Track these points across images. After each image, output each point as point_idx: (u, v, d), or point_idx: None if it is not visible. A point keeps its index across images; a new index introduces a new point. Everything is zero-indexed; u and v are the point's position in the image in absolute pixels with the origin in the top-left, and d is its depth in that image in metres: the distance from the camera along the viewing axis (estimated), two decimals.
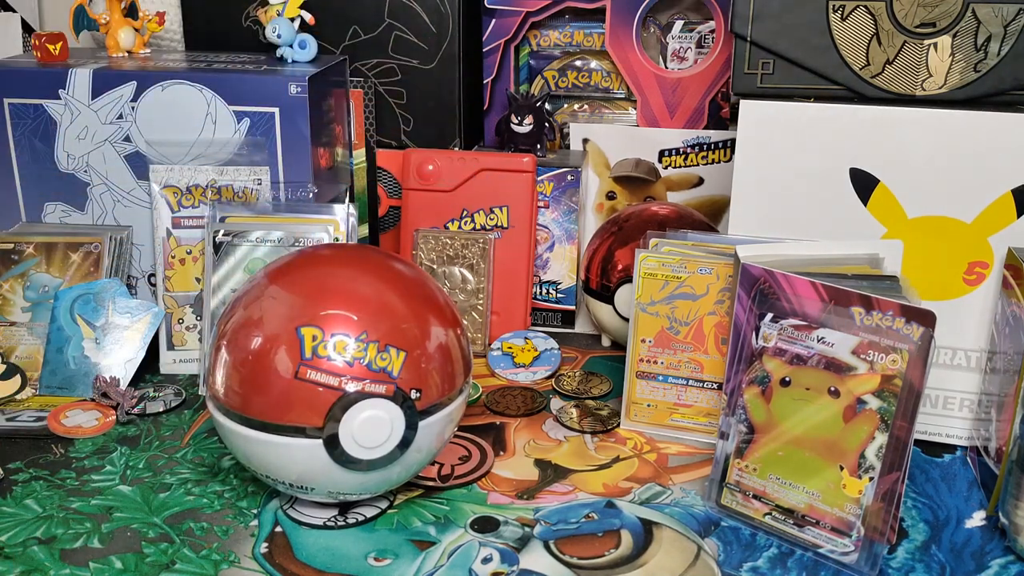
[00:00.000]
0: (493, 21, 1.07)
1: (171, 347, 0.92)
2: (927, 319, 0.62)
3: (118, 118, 0.92)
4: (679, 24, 1.06)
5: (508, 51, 1.09)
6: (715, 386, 0.81)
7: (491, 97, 1.11)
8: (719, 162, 1.06)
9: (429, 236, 0.98)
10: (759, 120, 0.77)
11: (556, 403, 0.88)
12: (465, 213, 0.99)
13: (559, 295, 1.04)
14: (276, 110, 0.91)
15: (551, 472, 0.76)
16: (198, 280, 0.92)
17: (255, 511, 0.71)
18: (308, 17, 1.00)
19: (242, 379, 0.64)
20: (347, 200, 0.96)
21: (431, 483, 0.74)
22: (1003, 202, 0.74)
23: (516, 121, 1.04)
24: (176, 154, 0.93)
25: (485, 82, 1.10)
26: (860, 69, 0.76)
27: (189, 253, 0.92)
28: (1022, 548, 0.67)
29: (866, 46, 0.75)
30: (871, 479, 0.64)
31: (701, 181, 1.07)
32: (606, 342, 1.00)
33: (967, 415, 0.79)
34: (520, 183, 0.98)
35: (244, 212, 0.91)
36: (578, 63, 1.10)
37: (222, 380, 0.65)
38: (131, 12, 1.03)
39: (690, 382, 0.81)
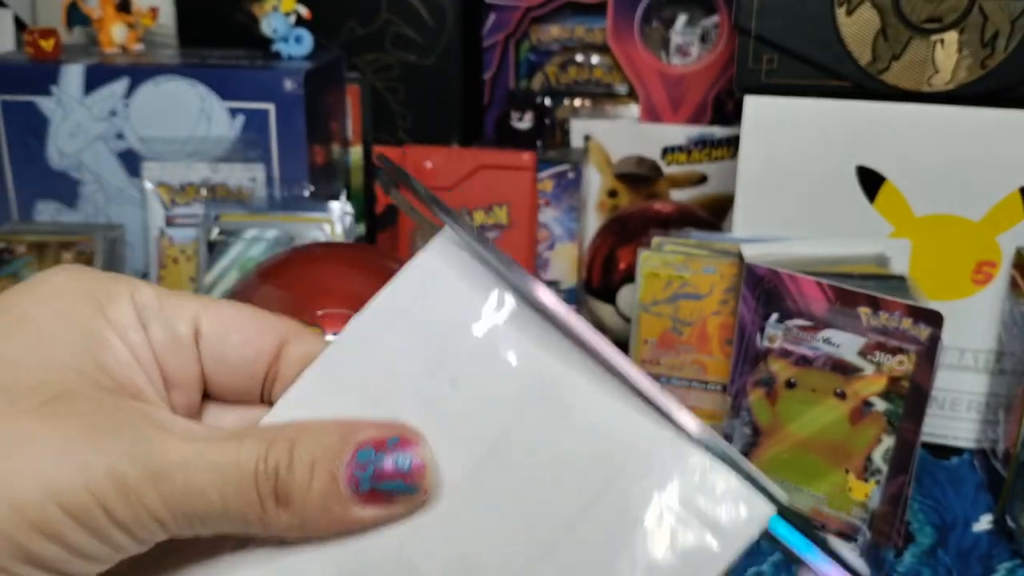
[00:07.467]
0: (493, 15, 1.06)
1: None
2: (935, 320, 0.61)
3: (111, 114, 0.91)
4: (682, 18, 1.05)
5: (508, 46, 1.08)
6: (719, 388, 0.79)
7: (491, 93, 1.10)
8: (723, 159, 1.04)
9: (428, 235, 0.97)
10: (763, 116, 0.76)
11: None
12: (464, 211, 0.97)
13: (560, 295, 1.02)
14: (271, 106, 0.90)
15: None
16: (192, 279, 0.91)
17: None
18: (304, 11, 0.99)
19: None
20: (343, 198, 0.95)
21: None
22: (1011, 200, 0.73)
23: (516, 117, 1.03)
24: (170, 151, 0.91)
25: (484, 78, 1.09)
26: (866, 64, 0.75)
27: (183, 252, 0.91)
28: None
29: (872, 41, 0.74)
30: (877, 482, 0.63)
31: (705, 178, 1.06)
32: None
33: (975, 417, 0.78)
34: (520, 181, 0.97)
35: (238, 210, 0.90)
36: (579, 58, 1.09)
37: None
38: (124, 7, 1.02)
39: (694, 384, 0.80)
